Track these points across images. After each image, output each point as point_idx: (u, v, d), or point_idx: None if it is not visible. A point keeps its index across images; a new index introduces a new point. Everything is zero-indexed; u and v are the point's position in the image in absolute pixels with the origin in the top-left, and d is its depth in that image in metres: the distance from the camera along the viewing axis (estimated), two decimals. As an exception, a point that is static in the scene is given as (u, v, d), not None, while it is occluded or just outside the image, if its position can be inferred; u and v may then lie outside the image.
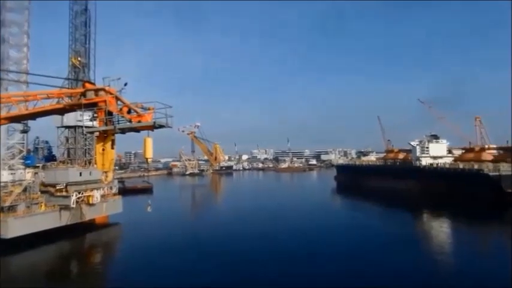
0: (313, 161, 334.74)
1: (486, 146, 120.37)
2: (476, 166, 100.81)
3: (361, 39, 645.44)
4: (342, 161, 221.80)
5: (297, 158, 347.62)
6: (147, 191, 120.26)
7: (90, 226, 60.27)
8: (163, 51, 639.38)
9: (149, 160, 28.36)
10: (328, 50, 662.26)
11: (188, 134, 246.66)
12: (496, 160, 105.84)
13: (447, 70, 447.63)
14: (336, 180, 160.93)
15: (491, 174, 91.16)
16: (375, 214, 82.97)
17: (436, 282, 36.27)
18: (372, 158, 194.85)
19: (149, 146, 24.11)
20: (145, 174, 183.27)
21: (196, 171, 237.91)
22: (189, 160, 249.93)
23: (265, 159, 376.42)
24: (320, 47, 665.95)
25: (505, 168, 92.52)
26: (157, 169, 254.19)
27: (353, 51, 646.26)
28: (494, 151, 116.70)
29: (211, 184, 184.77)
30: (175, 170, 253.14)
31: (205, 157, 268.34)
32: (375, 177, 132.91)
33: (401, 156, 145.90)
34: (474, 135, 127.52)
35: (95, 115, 28.76)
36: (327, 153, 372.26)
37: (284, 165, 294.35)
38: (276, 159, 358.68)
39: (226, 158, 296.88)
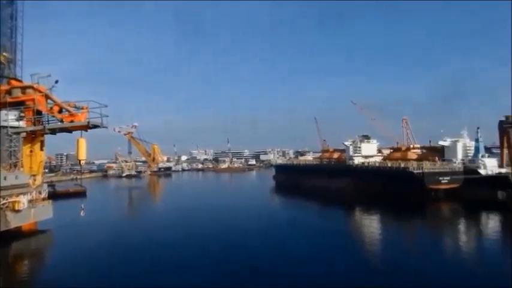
0: (253, 161, 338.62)
1: (411, 146, 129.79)
2: (402, 164, 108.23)
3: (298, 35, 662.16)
4: (280, 160, 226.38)
5: (237, 158, 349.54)
6: (80, 194, 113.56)
7: (16, 234, 55.76)
8: (103, 49, 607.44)
9: (82, 162, 27.04)
10: (262, 47, 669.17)
11: (125, 134, 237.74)
12: (419, 159, 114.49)
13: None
14: (275, 180, 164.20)
15: (415, 172, 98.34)
16: (311, 212, 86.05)
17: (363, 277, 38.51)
18: (308, 157, 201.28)
19: (82, 147, 22.96)
20: (78, 177, 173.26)
21: (133, 172, 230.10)
22: (126, 162, 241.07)
23: (205, 159, 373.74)
24: (257, 44, 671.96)
25: (427, 166, 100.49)
26: (91, 171, 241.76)
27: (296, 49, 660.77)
28: (418, 150, 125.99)
29: (148, 186, 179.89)
30: (111, 172, 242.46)
31: (143, 158, 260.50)
32: (311, 176, 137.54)
33: (336, 155, 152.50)
34: (401, 136, 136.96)
35: (22, 114, 26.74)
36: (266, 153, 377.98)
37: (224, 166, 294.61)
38: (216, 160, 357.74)
39: (165, 158, 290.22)
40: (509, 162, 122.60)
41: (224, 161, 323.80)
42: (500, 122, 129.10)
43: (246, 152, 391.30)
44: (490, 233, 62.06)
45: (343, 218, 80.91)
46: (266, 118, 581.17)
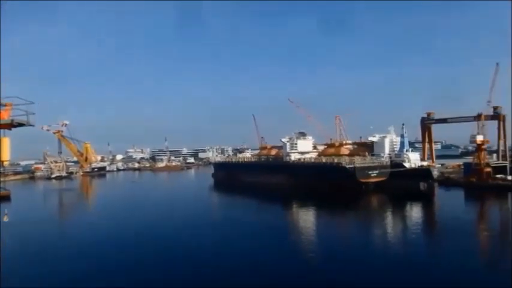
0: (192, 159, 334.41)
1: (344, 142, 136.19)
2: (336, 160, 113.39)
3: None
4: (219, 158, 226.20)
5: (175, 157, 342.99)
6: (3, 198, 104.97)
7: None
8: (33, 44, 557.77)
9: (6, 163, 24.94)
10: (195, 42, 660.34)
11: (54, 133, 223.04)
12: (351, 154, 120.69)
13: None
14: (214, 178, 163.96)
15: (348, 166, 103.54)
16: (250, 208, 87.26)
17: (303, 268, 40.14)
18: (247, 154, 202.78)
19: (5, 147, 21.11)
20: (1, 179, 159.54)
21: (64, 174, 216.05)
22: (56, 162, 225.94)
23: (142, 158, 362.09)
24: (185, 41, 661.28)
25: (358, 161, 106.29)
26: (16, 173, 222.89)
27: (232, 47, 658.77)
28: (350, 146, 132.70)
29: (81, 187, 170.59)
30: (38, 173, 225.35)
31: (75, 158, 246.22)
32: (250, 173, 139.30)
33: (273, 152, 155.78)
34: (334, 132, 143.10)
35: None
36: (204, 151, 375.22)
37: (161, 165, 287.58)
38: (153, 159, 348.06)
39: (99, 158, 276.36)
40: (430, 156, 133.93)
41: (162, 160, 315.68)
42: (422, 119, 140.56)
43: (185, 150, 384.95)
44: (413, 221, 67.49)
45: (281, 213, 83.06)
46: (205, 116, 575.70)
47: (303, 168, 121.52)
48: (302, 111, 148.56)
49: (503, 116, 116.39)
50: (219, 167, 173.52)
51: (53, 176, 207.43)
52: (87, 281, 36.79)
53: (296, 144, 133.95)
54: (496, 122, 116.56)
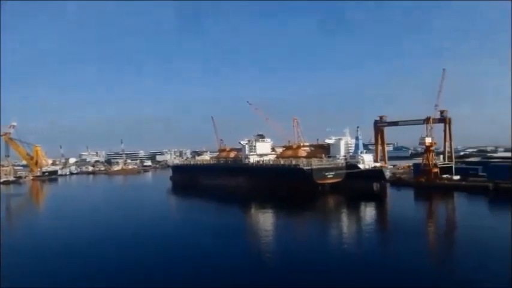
0: (149, 162, 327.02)
1: (301, 144, 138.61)
2: (294, 162, 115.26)
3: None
4: (177, 161, 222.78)
5: (132, 160, 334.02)
6: None
7: None
8: None
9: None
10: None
11: (2, 135, 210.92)
12: (309, 156, 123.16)
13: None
14: (172, 181, 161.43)
15: (305, 168, 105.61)
16: (208, 211, 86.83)
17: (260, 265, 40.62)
18: (206, 157, 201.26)
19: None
20: None
21: (11, 178, 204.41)
22: (3, 166, 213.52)
23: (97, 161, 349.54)
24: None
25: (315, 163, 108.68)
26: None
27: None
28: (308, 148, 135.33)
29: (30, 193, 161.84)
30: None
31: (24, 162, 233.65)
32: (208, 175, 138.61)
33: (232, 154, 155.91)
34: (292, 134, 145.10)
35: None
36: (162, 153, 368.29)
37: (117, 168, 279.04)
38: (109, 162, 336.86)
39: (50, 162, 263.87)
40: (383, 157, 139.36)
41: (117, 163, 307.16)
42: (375, 122, 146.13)
43: (141, 153, 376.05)
44: (367, 221, 70.15)
45: (239, 214, 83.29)
46: (163, 118, 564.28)
47: (261, 170, 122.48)
48: (260, 113, 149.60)
49: (449, 119, 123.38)
50: (177, 169, 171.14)
51: (0, 180, 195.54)
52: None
53: (255, 146, 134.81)
54: (442, 125, 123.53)
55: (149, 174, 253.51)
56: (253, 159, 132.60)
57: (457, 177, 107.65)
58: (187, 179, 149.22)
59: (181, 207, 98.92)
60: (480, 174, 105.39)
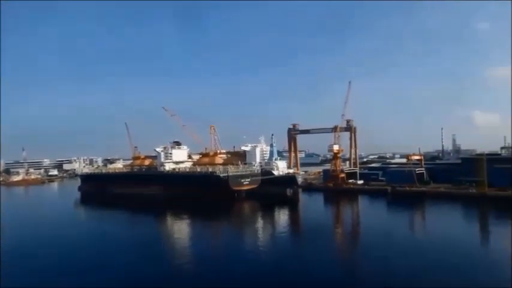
0: (55, 172, 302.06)
1: (218, 151, 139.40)
2: (210, 169, 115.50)
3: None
4: (87, 169, 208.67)
5: (35, 169, 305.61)
6: None
7: None
8: None
9: None
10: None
11: None
12: (225, 163, 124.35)
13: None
14: (81, 191, 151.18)
15: (221, 175, 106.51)
16: (119, 221, 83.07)
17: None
18: (119, 165, 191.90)
19: None
20: None
21: None
22: None
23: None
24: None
25: (232, 170, 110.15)
26: None
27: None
28: (224, 155, 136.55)
29: None
30: None
31: None
32: (122, 184, 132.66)
33: (147, 162, 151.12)
34: (209, 142, 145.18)
35: None
36: (70, 162, 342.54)
37: (17, 178, 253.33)
38: (7, 171, 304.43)
39: None
40: (296, 164, 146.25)
41: (18, 173, 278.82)
42: (289, 130, 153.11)
43: (46, 162, 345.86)
44: (280, 225, 73.04)
45: (153, 224, 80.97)
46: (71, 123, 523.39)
47: (177, 178, 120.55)
48: (177, 120, 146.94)
49: (355, 128, 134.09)
50: (87, 179, 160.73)
51: None
52: None
53: (171, 153, 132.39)
54: (348, 133, 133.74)
55: (55, 184, 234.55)
56: (168, 166, 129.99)
57: (361, 182, 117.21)
58: (98, 188, 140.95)
59: (88, 219, 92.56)
60: (380, 178, 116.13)
